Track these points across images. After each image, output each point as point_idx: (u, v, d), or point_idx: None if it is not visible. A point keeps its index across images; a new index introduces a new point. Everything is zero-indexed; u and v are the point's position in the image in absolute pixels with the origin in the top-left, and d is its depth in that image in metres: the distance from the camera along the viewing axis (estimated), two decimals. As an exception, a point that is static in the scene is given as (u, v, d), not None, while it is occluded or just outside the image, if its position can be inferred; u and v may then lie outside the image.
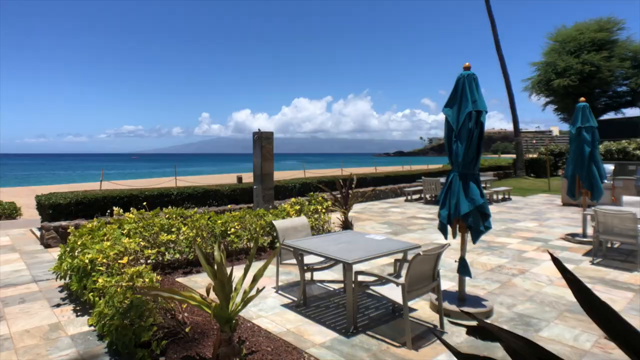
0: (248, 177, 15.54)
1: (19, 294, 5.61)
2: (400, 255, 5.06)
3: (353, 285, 4.42)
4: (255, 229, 7.55)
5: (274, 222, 5.80)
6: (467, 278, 5.44)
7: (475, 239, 4.96)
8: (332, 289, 5.71)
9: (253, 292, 3.69)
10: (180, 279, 6.13)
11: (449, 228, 5.08)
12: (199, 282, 5.99)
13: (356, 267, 5.06)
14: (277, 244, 7.61)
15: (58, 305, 5.19)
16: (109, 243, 5.37)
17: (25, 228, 10.39)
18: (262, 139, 9.60)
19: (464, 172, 4.88)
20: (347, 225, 9.16)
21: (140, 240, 5.74)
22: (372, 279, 4.79)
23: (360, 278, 4.61)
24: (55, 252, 7.87)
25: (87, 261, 4.91)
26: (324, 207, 9.01)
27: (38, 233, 9.11)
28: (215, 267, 3.72)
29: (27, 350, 4.05)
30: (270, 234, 7.92)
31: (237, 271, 6.35)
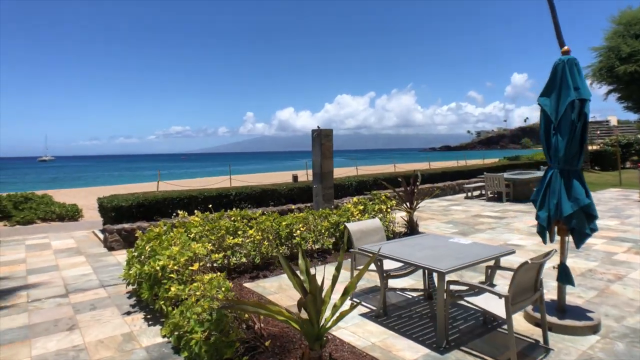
0: (301, 175, 15.32)
1: (89, 300, 5.54)
2: (491, 262, 4.53)
3: (445, 296, 3.96)
4: (320, 231, 7.21)
5: (347, 224, 5.41)
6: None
7: (579, 244, 4.37)
8: (410, 297, 5.26)
9: (345, 306, 3.32)
10: (248, 284, 5.88)
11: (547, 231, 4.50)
12: (267, 288, 5.71)
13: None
14: (343, 247, 7.24)
15: (128, 313, 5.06)
16: (177, 248, 5.18)
17: (87, 230, 10.62)
18: (322, 137, 9.24)
19: (565, 169, 4.30)
20: (412, 225, 8.65)
21: (209, 244, 5.52)
22: (464, 288, 4.29)
23: (452, 287, 4.14)
24: (119, 256, 7.89)
25: (158, 268, 4.72)
26: (388, 206, 8.53)
27: (101, 235, 9.23)
28: (303, 277, 3.38)
29: (104, 362, 3.89)
30: (334, 235, 7.56)
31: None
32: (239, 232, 6.45)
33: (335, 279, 3.42)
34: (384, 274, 4.78)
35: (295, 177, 13.07)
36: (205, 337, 3.64)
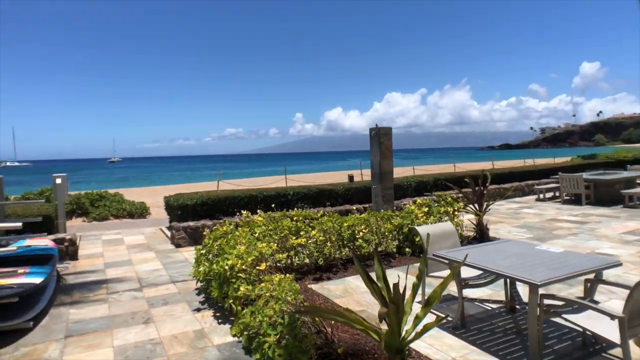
0: (355, 175, 15.10)
1: (161, 295, 5.67)
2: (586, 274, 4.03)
3: (538, 311, 3.56)
4: (384, 233, 6.94)
5: (417, 228, 5.12)
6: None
7: None
8: (489, 309, 4.85)
9: (427, 319, 3.05)
10: (313, 286, 5.75)
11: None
12: (333, 291, 5.54)
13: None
14: (424, 254, 6.94)
15: (198, 310, 5.10)
16: (244, 247, 5.15)
17: (155, 227, 11.06)
18: (381, 135, 8.97)
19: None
20: (482, 230, 8.12)
21: (274, 244, 5.45)
22: (559, 303, 3.85)
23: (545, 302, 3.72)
24: (186, 252, 8.09)
25: (227, 267, 4.70)
26: (456, 208, 8.08)
27: (168, 233, 9.54)
28: (380, 285, 3.16)
29: (179, 358, 3.90)
30: (396, 238, 7.26)
31: (362, 281, 5.81)
32: (302, 233, 6.35)
33: (416, 288, 3.18)
34: (462, 283, 4.44)
35: (351, 177, 12.84)
36: (277, 340, 3.53)
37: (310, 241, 6.21)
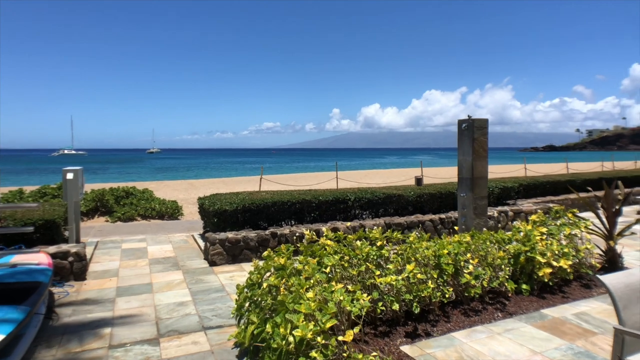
0: (411, 176, 12.98)
1: (184, 356, 3.86)
2: None
3: None
4: (500, 266, 4.89)
5: (604, 279, 3.06)
6: None
7: None
8: None
9: None
10: (407, 349, 3.82)
11: None
12: (439, 359, 3.60)
13: None
14: (524, 288, 4.85)
15: (241, 394, 3.26)
16: (312, 295, 3.28)
17: (186, 233, 9.44)
18: (474, 129, 6.88)
19: None
20: (613, 259, 5.96)
21: (362, 293, 3.55)
22: None
23: None
24: (222, 275, 6.32)
25: (292, 340, 2.82)
26: (582, 228, 5.94)
27: (201, 242, 7.87)
28: None
29: None
30: (515, 270, 5.20)
31: (483, 344, 3.78)
32: (389, 266, 4.43)
33: None
34: None
35: (419, 180, 10.74)
36: None
37: (400, 277, 4.25)
